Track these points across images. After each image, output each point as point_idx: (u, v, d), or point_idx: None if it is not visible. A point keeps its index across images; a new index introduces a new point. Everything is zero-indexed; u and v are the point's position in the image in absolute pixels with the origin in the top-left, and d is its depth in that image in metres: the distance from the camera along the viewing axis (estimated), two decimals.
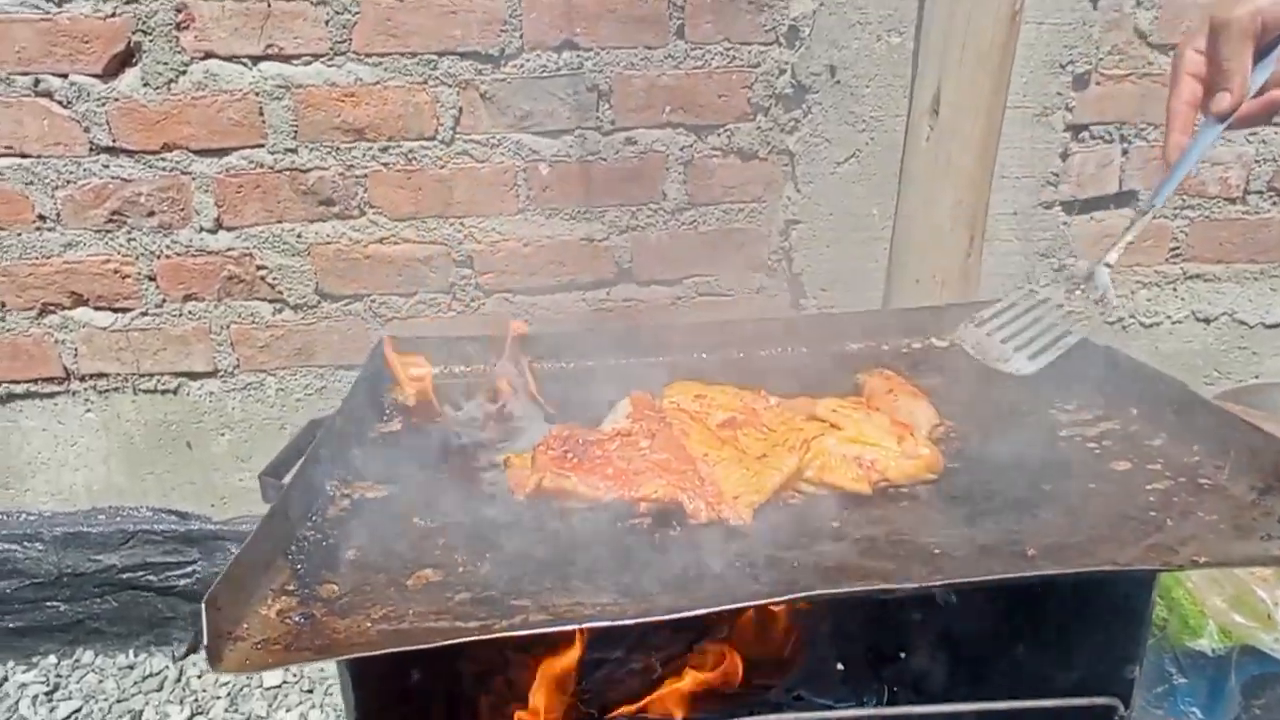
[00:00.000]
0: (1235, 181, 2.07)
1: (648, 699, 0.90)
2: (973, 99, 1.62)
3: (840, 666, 0.94)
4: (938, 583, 0.67)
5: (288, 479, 0.82)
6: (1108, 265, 1.08)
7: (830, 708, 0.89)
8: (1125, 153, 2.03)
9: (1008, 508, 0.79)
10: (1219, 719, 1.10)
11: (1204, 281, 2.14)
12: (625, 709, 0.90)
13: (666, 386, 1.00)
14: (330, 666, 1.99)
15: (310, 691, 1.94)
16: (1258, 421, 1.08)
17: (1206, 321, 2.18)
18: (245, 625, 0.64)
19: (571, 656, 0.87)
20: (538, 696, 0.86)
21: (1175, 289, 2.14)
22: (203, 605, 0.59)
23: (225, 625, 0.61)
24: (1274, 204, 2.09)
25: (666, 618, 0.64)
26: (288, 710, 1.88)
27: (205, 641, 0.58)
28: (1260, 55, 0.93)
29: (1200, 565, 0.69)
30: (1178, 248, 2.11)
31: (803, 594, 0.63)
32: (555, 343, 1.23)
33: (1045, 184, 2.01)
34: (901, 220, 1.76)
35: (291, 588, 0.70)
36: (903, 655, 0.96)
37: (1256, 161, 2.05)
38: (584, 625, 0.67)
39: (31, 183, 1.83)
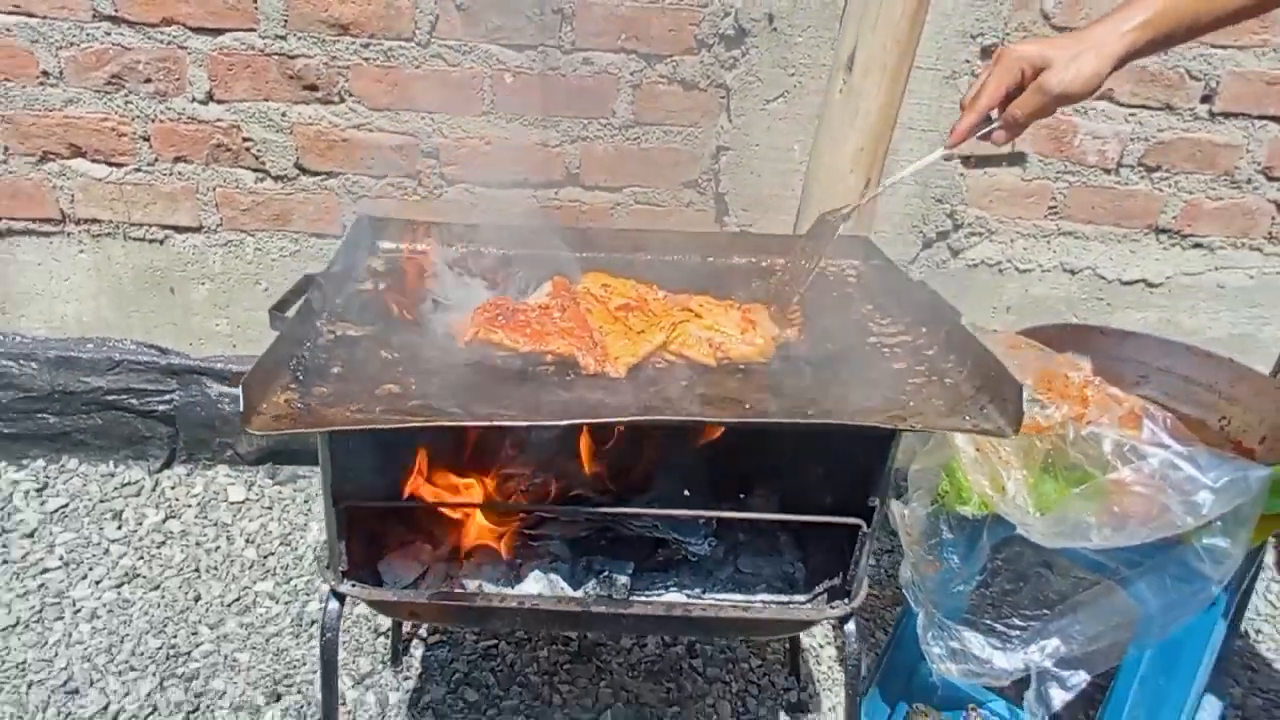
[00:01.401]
0: (1111, 154, 2.37)
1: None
2: (881, 61, 1.87)
3: (685, 493, 1.28)
4: (710, 419, 0.97)
5: (290, 313, 1.09)
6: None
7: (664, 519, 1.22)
8: None
9: (809, 385, 1.10)
10: (970, 566, 1.47)
11: (1074, 239, 2.46)
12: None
13: (583, 274, 1.29)
14: (288, 488, 2.30)
15: (269, 508, 2.24)
16: (1014, 348, 1.42)
17: (1072, 273, 2.50)
18: (264, 405, 0.93)
19: (483, 458, 1.18)
20: (450, 481, 1.17)
21: (1049, 242, 2.46)
22: (240, 386, 0.87)
23: (253, 402, 0.90)
24: (1142, 177, 2.39)
25: (534, 424, 0.95)
26: (250, 520, 2.19)
27: (241, 410, 0.87)
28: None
29: (904, 429, 1.00)
30: (1055, 207, 2.42)
31: (622, 419, 0.93)
32: (513, 233, 1.49)
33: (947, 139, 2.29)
34: (813, 159, 2.03)
35: (293, 387, 0.99)
36: (715, 484, 1.29)
37: (1131, 139, 2.35)
38: (479, 424, 0.96)
39: (37, 41, 2.01)
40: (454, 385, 1.04)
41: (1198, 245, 2.48)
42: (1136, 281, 2.52)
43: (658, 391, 1.06)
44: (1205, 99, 2.30)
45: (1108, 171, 2.38)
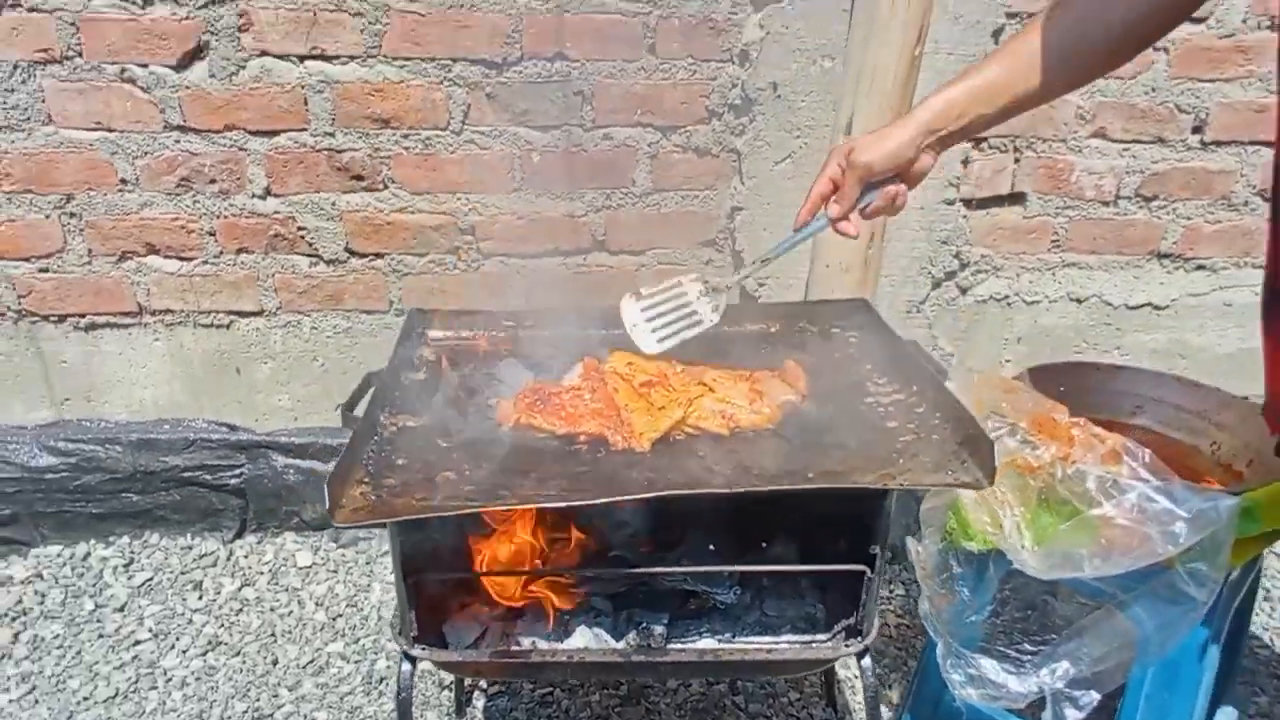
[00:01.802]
0: (1108, 188, 2.48)
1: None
2: (877, 125, 2.03)
3: (711, 547, 1.42)
4: (718, 490, 1.11)
5: (358, 411, 1.27)
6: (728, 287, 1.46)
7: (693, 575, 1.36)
8: (1017, 160, 2.44)
9: (810, 447, 1.24)
10: (981, 597, 1.59)
11: (1078, 269, 2.58)
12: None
13: (610, 353, 1.45)
14: (350, 551, 2.48)
15: (334, 571, 2.43)
16: (1010, 391, 1.55)
17: (1079, 301, 2.62)
18: (344, 500, 1.10)
19: (528, 526, 1.34)
20: (502, 550, 1.33)
21: (1054, 274, 2.58)
22: (325, 485, 1.04)
23: (335, 498, 1.07)
24: (1140, 207, 2.51)
25: (569, 504, 1.11)
26: (318, 584, 2.37)
27: (327, 505, 1.04)
28: (871, 186, 1.32)
29: (893, 487, 1.14)
30: (1058, 240, 2.54)
31: (634, 497, 1.09)
32: (548, 316, 1.65)
33: (948, 185, 2.43)
34: None
35: (366, 480, 1.15)
36: (740, 538, 1.43)
37: (1127, 173, 2.47)
38: (527, 505, 1.12)
39: (116, 153, 2.24)
40: (501, 467, 1.20)
41: (1201, 267, 2.58)
42: (1143, 305, 2.63)
43: (678, 463, 1.21)
44: (1196, 130, 2.42)
45: (1106, 204, 2.50)
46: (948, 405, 1.27)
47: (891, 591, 2.38)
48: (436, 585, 1.34)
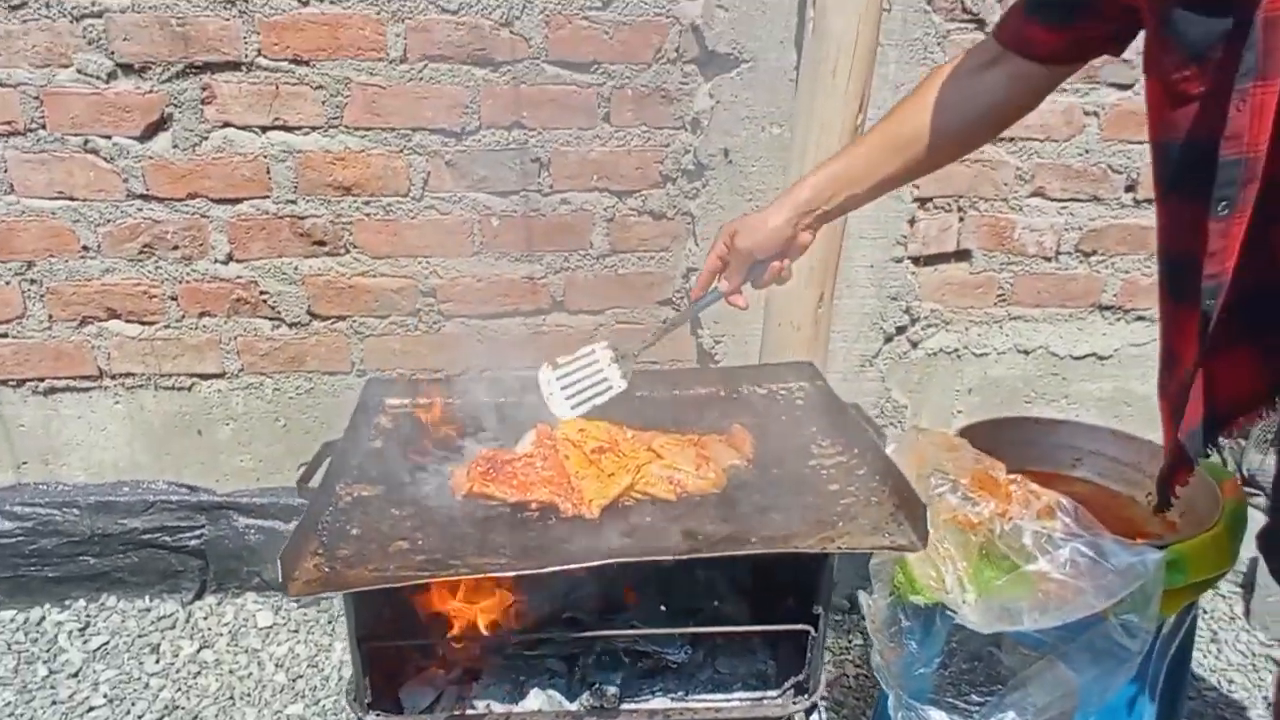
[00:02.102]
0: (1049, 244, 2.58)
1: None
2: None
3: (662, 608, 1.46)
4: (660, 558, 1.16)
5: (314, 482, 1.30)
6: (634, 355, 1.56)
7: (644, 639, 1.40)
8: (961, 219, 2.54)
9: (754, 511, 1.29)
10: (929, 649, 1.63)
11: (1024, 321, 2.67)
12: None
13: (562, 421, 1.49)
14: (312, 611, 2.48)
15: (295, 631, 2.42)
16: (952, 449, 1.61)
17: (1026, 353, 2.70)
18: (298, 572, 1.12)
19: (484, 595, 1.37)
20: (459, 620, 1.36)
21: (1001, 327, 2.67)
22: (279, 559, 1.07)
23: (289, 570, 1.10)
24: (1080, 262, 2.61)
25: (515, 573, 1.14)
26: (278, 645, 2.36)
27: (280, 579, 1.06)
28: (757, 263, 1.45)
29: (831, 550, 1.19)
30: (1004, 294, 2.63)
31: (591, 564, 1.13)
32: (503, 383, 1.70)
33: (896, 243, 2.51)
34: None
35: (320, 552, 1.18)
36: (691, 598, 1.48)
37: (1066, 229, 2.57)
38: (476, 575, 1.16)
39: (78, 221, 2.26)
40: (454, 536, 1.23)
41: (1140, 318, 2.68)
42: (1087, 356, 2.72)
43: (626, 529, 1.25)
44: (1129, 188, 2.53)
45: (1048, 259, 2.60)
46: (885, 469, 1.33)
47: (850, 642, 2.41)
48: (393, 651, 1.36)
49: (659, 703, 1.39)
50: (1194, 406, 1.18)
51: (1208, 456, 1.43)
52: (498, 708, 1.35)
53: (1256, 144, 0.96)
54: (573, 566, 1.13)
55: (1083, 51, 1.30)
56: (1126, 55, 2.42)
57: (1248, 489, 2.77)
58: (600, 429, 1.44)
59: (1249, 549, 2.58)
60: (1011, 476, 1.57)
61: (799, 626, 1.28)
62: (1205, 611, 2.57)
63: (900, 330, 2.61)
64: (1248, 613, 2.56)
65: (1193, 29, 0.99)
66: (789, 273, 1.49)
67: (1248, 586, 2.59)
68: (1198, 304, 1.06)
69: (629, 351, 1.56)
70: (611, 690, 1.36)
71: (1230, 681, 2.34)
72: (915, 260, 2.56)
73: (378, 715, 1.26)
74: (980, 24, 2.31)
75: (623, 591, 1.44)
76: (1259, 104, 0.95)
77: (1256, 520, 2.66)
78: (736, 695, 1.44)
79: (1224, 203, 0.99)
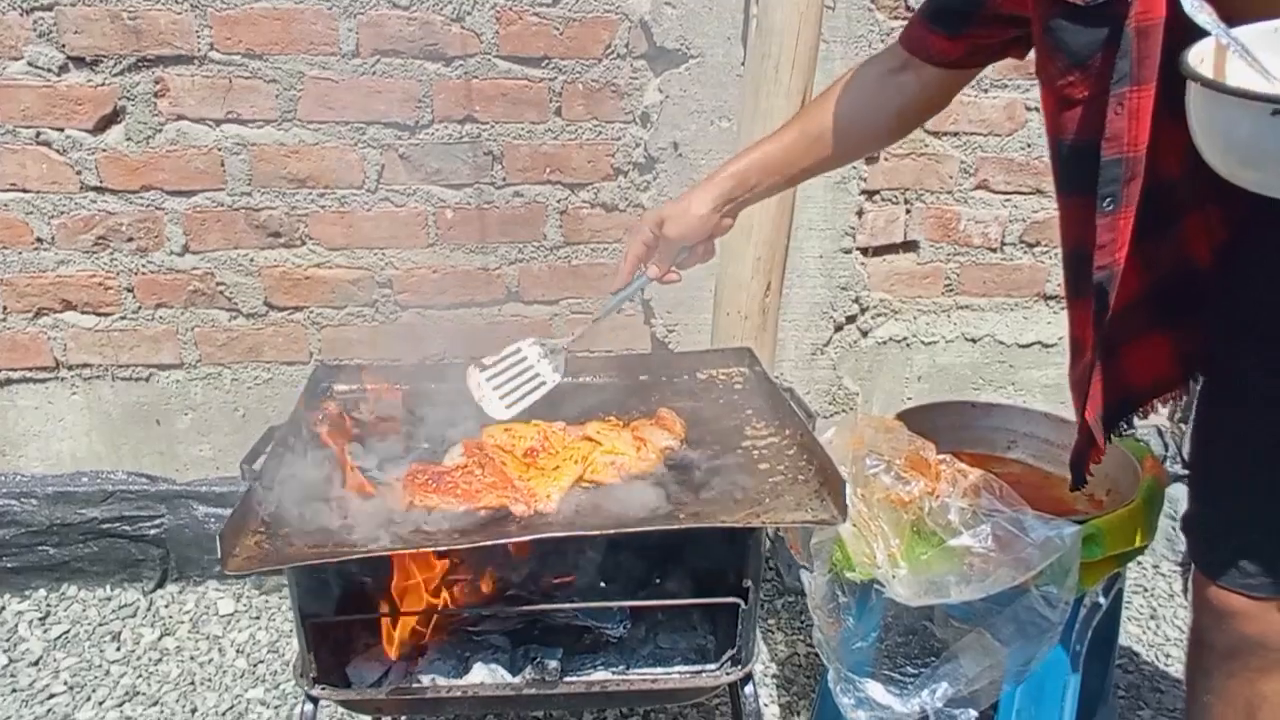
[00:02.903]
0: (994, 235, 2.65)
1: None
2: None
3: (602, 584, 1.50)
4: (594, 533, 1.21)
5: (257, 466, 1.33)
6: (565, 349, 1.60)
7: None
8: (908, 211, 2.60)
9: (688, 489, 1.34)
10: (866, 624, 1.69)
11: (971, 310, 2.73)
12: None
13: (483, 428, 1.50)
14: (274, 597, 2.51)
15: (257, 618, 2.44)
16: (888, 430, 1.67)
17: (973, 341, 2.77)
18: (237, 549, 1.16)
19: (426, 570, 1.41)
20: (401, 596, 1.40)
21: (949, 316, 2.73)
22: (218, 537, 1.10)
23: (229, 548, 1.13)
24: (1024, 253, 2.68)
25: (451, 548, 1.18)
26: (239, 631, 2.39)
27: (220, 555, 1.10)
28: (680, 250, 1.53)
29: (756, 525, 1.25)
30: (950, 284, 2.69)
31: (525, 538, 1.17)
32: (443, 370, 1.73)
33: (845, 234, 2.57)
34: (719, 269, 2.31)
35: (261, 530, 1.22)
36: (632, 575, 1.53)
37: (1010, 221, 2.64)
38: (415, 549, 1.20)
39: (31, 213, 2.27)
40: (394, 517, 1.28)
41: None
42: (1033, 344, 2.79)
43: (582, 516, 1.29)
44: None
45: (993, 250, 2.67)
46: (812, 448, 1.38)
47: (803, 622, 2.47)
48: (340, 628, 1.40)
49: (599, 675, 1.44)
50: (1097, 390, 1.25)
51: (1121, 436, 1.50)
52: (442, 682, 1.40)
53: (1136, 144, 1.03)
54: (506, 540, 1.17)
55: (983, 57, 1.36)
56: None
57: (1188, 471, 2.87)
58: (528, 429, 1.48)
59: None
60: (941, 457, 1.64)
61: (728, 600, 1.33)
62: (1145, 589, 2.66)
63: (850, 319, 2.67)
64: (1186, 590, 2.65)
65: (1073, 38, 1.05)
66: (712, 252, 1.58)
67: (1185, 565, 2.68)
68: (1091, 294, 1.13)
69: (558, 345, 1.59)
70: (553, 664, 1.41)
71: (1167, 656, 2.42)
72: (864, 251, 2.62)
73: (323, 689, 1.30)
74: None
75: (563, 570, 1.48)
76: (1135, 107, 1.01)
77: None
78: (676, 669, 1.49)
79: (1109, 199, 1.05)
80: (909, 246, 2.65)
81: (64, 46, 2.14)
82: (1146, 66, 0.99)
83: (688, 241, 1.51)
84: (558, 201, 2.42)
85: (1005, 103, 2.51)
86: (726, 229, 1.54)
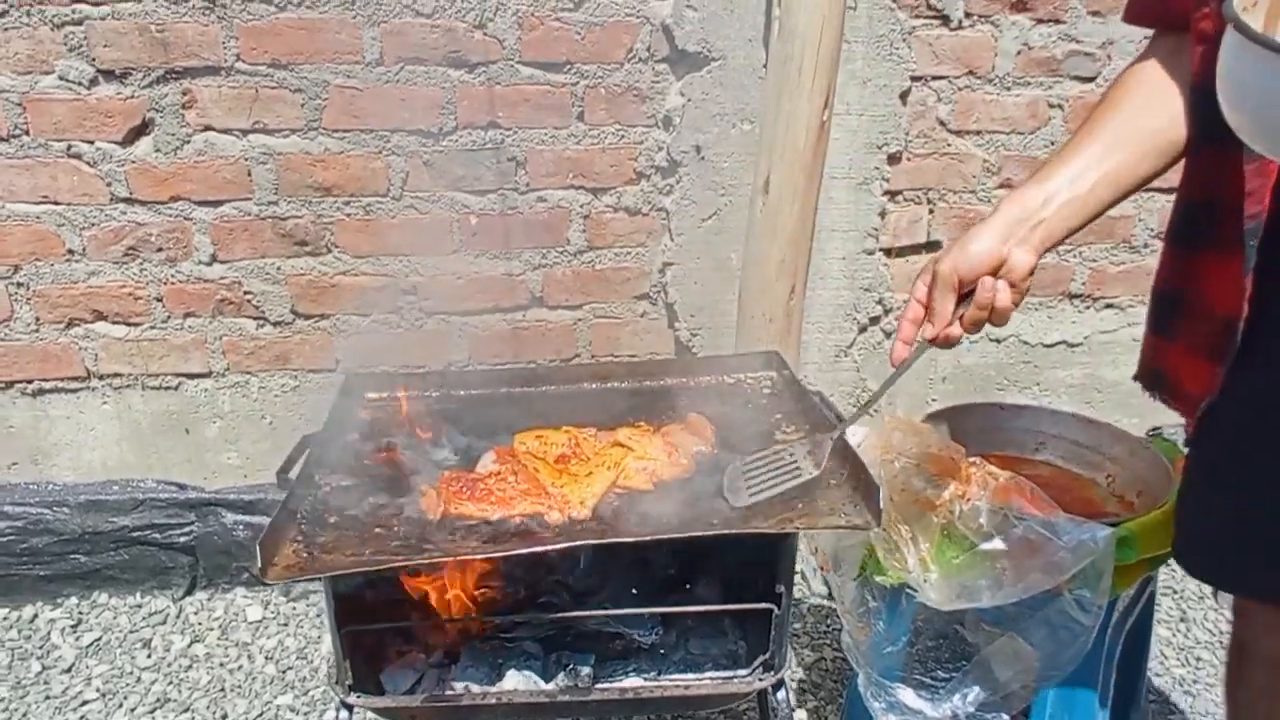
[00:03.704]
0: None
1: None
2: (792, 185, 2.16)
3: (633, 591, 1.51)
4: (627, 539, 1.21)
5: (293, 474, 1.34)
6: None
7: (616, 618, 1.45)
8: (931, 211, 2.59)
9: (720, 494, 1.35)
10: (896, 628, 1.69)
11: None
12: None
13: (515, 436, 1.50)
14: (301, 604, 2.53)
15: (285, 625, 2.46)
16: (917, 433, 1.66)
17: (998, 342, 2.76)
18: (276, 558, 1.17)
19: (460, 577, 1.42)
20: (435, 600, 1.41)
21: None
22: (257, 545, 1.12)
23: (269, 557, 1.14)
24: (1049, 252, 2.67)
25: (487, 555, 1.18)
26: (268, 638, 2.41)
27: (259, 565, 1.11)
28: (963, 298, 1.19)
29: (789, 530, 1.24)
30: None
31: (559, 545, 1.18)
32: (473, 376, 1.75)
33: (868, 235, 2.57)
34: (744, 270, 2.31)
35: (299, 539, 1.23)
36: (663, 581, 1.52)
37: None
38: (450, 559, 1.20)
39: (63, 225, 2.30)
40: (430, 524, 1.28)
41: (1109, 305, 2.74)
42: (1058, 344, 2.78)
43: (615, 522, 1.29)
44: None
45: None
46: (844, 452, 1.38)
47: (830, 626, 2.47)
48: (373, 635, 1.41)
49: (631, 682, 1.44)
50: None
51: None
52: (476, 689, 1.40)
53: None
54: (542, 549, 1.18)
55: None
56: (1089, 49, 2.48)
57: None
58: (559, 436, 1.49)
59: None
60: (971, 460, 1.63)
61: (762, 606, 1.33)
62: (1175, 591, 2.63)
63: (874, 321, 2.66)
64: (1216, 592, 2.63)
65: None
66: (1007, 298, 1.18)
67: None
68: (1235, 247, 1.06)
69: (823, 439, 1.42)
70: (585, 671, 1.41)
71: (1197, 659, 2.40)
72: (887, 252, 2.61)
73: (359, 697, 1.31)
74: (945, 20, 2.36)
75: (595, 576, 1.49)
76: None
77: None
78: (707, 675, 1.49)
79: None
80: (932, 247, 2.64)
81: (94, 60, 2.16)
82: None
83: (961, 274, 1.17)
84: (581, 206, 2.42)
85: (1028, 100, 2.50)
86: (1025, 267, 1.18)
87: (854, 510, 1.28)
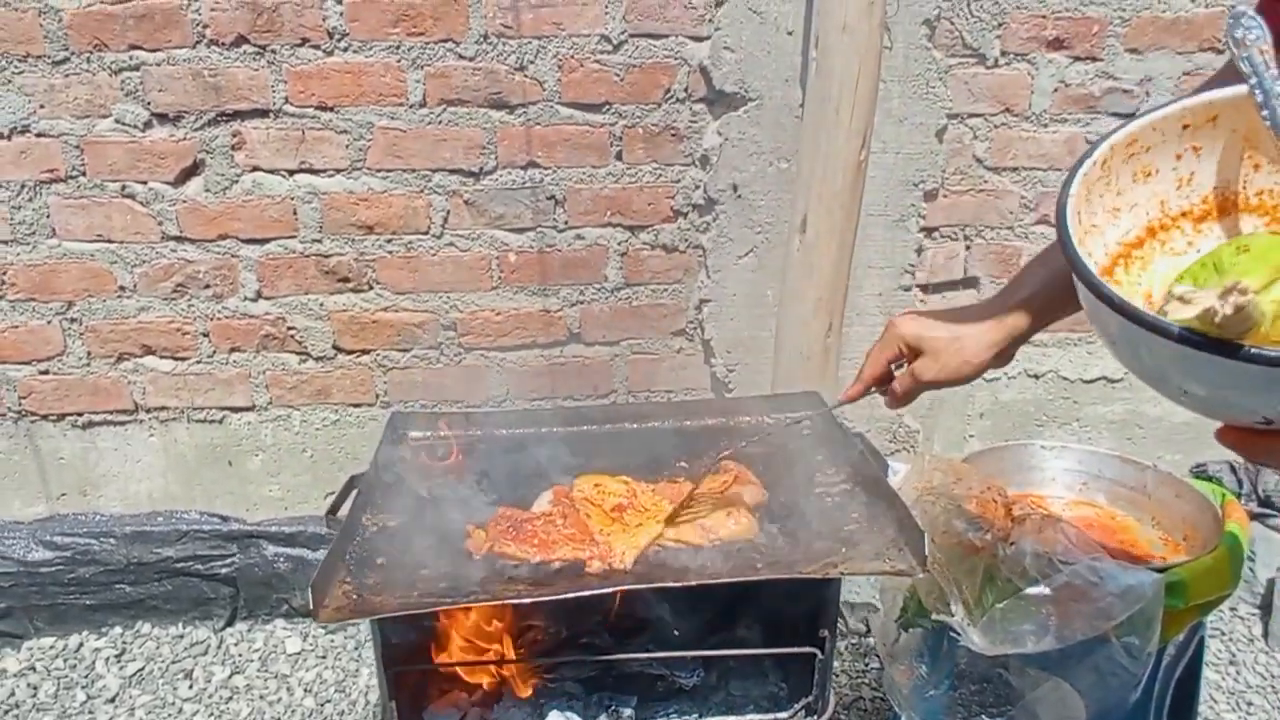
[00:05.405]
0: None
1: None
2: (829, 225, 2.17)
3: (675, 633, 1.51)
4: (669, 584, 1.22)
5: (341, 513, 1.37)
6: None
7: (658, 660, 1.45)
8: (968, 248, 2.59)
9: (764, 538, 1.36)
10: (938, 672, 1.67)
11: (1034, 346, 2.70)
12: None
13: (576, 477, 1.52)
14: (339, 636, 2.55)
15: (323, 658, 2.48)
16: (959, 476, 1.66)
17: (1036, 377, 2.74)
18: (327, 600, 1.19)
19: (503, 619, 1.43)
20: (474, 633, 1.42)
21: None
22: (309, 587, 1.14)
23: (319, 598, 1.16)
24: None
25: (534, 600, 1.19)
26: (306, 670, 2.43)
27: (311, 606, 1.13)
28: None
29: (833, 575, 1.24)
30: None
31: (605, 590, 1.18)
32: (517, 416, 1.77)
33: (904, 272, 2.57)
34: (780, 309, 2.32)
35: (348, 580, 1.25)
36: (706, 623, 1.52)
37: None
38: (497, 601, 1.21)
39: (115, 262, 2.37)
40: (476, 564, 1.30)
41: None
42: (1098, 379, 2.75)
43: (660, 574, 1.29)
44: None
45: None
46: (887, 496, 1.38)
47: (867, 665, 2.45)
48: (418, 675, 1.42)
49: None
50: None
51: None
52: None
53: None
54: (588, 593, 1.18)
55: None
56: (1127, 86, 2.47)
57: (1264, 510, 2.79)
58: (618, 485, 1.50)
59: (1268, 570, 2.61)
60: (1015, 501, 1.62)
61: (805, 650, 1.33)
62: (1223, 633, 2.58)
63: None
64: (1266, 634, 2.57)
65: None
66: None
67: (1266, 608, 2.60)
68: None
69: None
70: (627, 712, 1.42)
71: (1249, 704, 2.35)
72: (923, 288, 2.61)
73: None
74: (981, 58, 2.37)
75: (638, 618, 1.49)
76: None
77: (1273, 541, 2.67)
78: (749, 716, 1.49)
79: None
80: (969, 283, 2.63)
81: (149, 104, 2.23)
82: None
83: (940, 385, 1.28)
84: (618, 243, 2.45)
85: (1066, 136, 2.50)
86: (998, 365, 1.27)
87: (898, 555, 1.27)
